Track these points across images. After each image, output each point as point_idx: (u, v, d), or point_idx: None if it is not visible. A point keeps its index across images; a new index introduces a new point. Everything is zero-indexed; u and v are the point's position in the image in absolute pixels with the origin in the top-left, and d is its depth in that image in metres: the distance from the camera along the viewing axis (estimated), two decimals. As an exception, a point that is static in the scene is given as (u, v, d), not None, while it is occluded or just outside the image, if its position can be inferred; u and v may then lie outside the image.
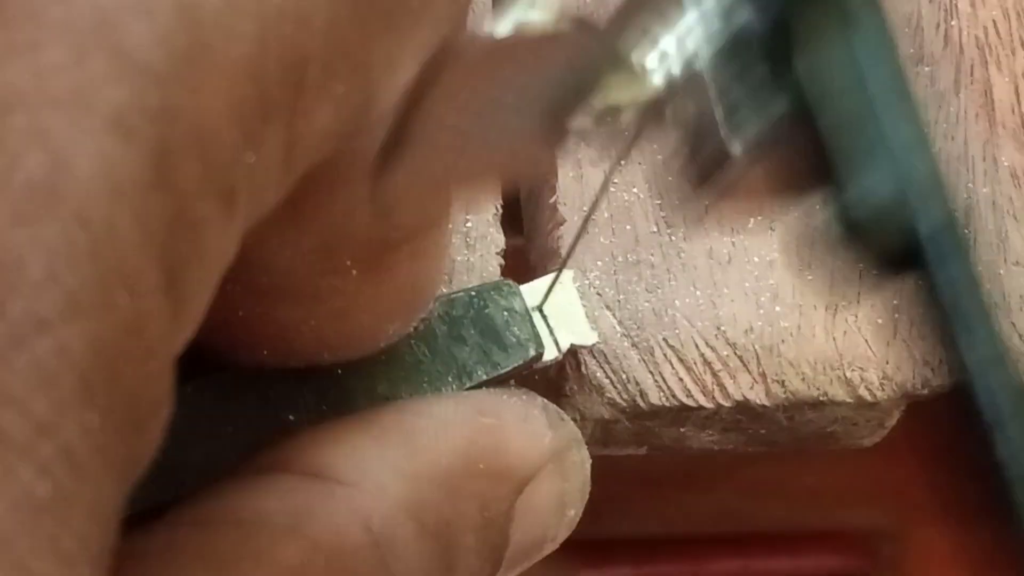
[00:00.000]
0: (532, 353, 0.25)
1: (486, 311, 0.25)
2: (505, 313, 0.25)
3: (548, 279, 0.27)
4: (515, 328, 0.25)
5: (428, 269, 0.21)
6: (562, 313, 0.27)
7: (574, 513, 0.25)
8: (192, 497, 0.20)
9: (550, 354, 0.26)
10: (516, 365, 0.25)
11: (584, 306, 0.28)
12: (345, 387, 0.23)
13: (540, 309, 0.26)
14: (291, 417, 0.23)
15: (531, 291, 0.26)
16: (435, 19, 0.17)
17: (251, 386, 0.22)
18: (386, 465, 0.21)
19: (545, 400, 0.25)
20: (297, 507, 0.19)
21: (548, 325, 0.27)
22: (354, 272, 0.19)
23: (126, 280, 0.14)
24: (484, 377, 0.25)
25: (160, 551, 0.18)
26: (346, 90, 0.16)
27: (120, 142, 0.14)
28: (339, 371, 0.23)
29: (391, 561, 0.20)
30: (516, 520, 0.23)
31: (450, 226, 0.22)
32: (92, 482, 0.14)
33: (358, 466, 0.20)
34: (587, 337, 0.28)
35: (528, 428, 0.23)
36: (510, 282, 0.26)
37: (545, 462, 0.23)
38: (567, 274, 0.28)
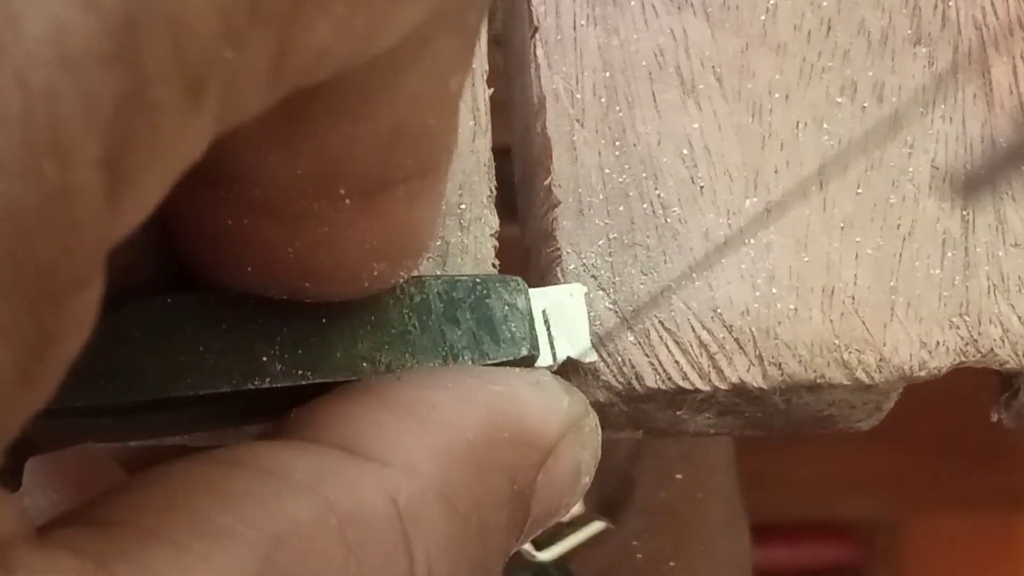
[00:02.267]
0: (524, 352, 0.25)
1: (487, 300, 0.25)
2: (506, 307, 0.25)
3: (561, 288, 0.27)
4: (512, 324, 0.25)
5: (422, 214, 0.21)
6: (566, 324, 0.27)
7: (588, 480, 0.25)
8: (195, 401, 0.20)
9: (544, 361, 0.26)
10: (504, 360, 0.25)
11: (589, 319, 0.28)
12: (326, 336, 0.23)
13: (545, 315, 0.26)
14: (265, 353, 0.22)
15: (541, 295, 0.26)
16: None
17: (231, 312, 0.22)
18: (414, 443, 0.21)
19: (546, 370, 0.25)
20: (323, 470, 0.19)
21: (549, 332, 0.26)
22: (347, 201, 0.19)
23: (57, 148, 0.13)
24: (470, 363, 0.24)
25: (173, 478, 0.18)
26: (347, 11, 0.16)
27: (80, 10, 0.13)
28: (323, 319, 0.23)
29: (414, 537, 0.20)
30: (537, 493, 0.23)
31: (449, 174, 0.22)
32: None
33: (386, 444, 0.20)
34: (586, 354, 0.27)
35: (543, 393, 0.23)
36: (519, 279, 0.26)
37: (567, 427, 0.23)
38: (580, 288, 0.27)
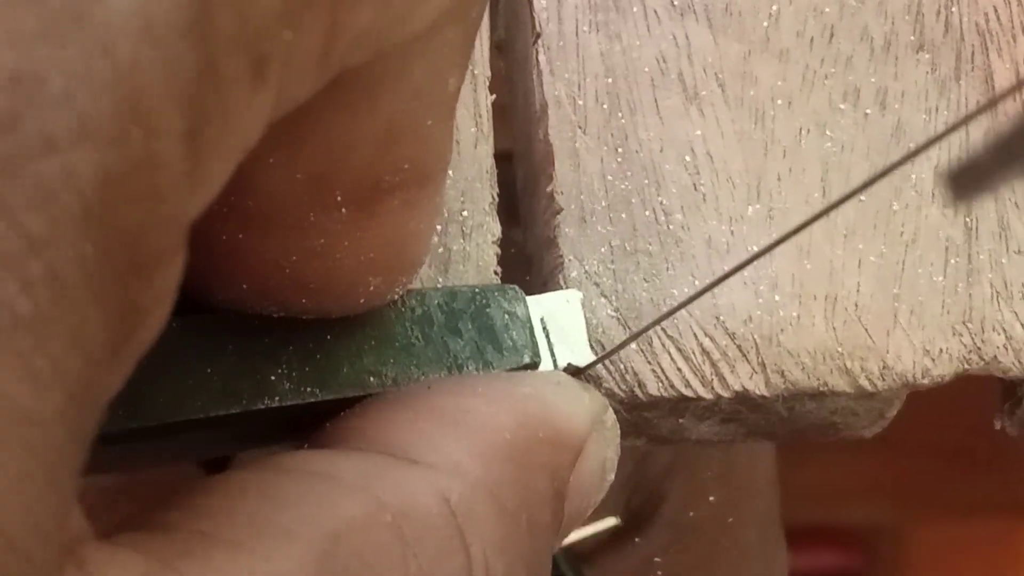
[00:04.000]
0: (526, 360, 0.25)
1: (487, 310, 0.25)
2: (506, 316, 0.25)
3: (557, 295, 0.27)
4: (513, 332, 0.25)
5: (417, 225, 0.21)
6: (564, 331, 0.27)
7: (612, 477, 0.25)
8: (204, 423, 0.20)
9: (545, 368, 0.26)
10: (508, 368, 0.25)
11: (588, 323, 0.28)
12: (331, 352, 0.23)
13: (543, 323, 0.26)
14: (272, 372, 0.22)
15: (538, 303, 0.26)
16: None
17: (237, 333, 0.22)
18: (457, 446, 0.21)
19: (560, 371, 0.25)
20: (371, 472, 0.20)
21: (548, 340, 0.26)
22: (343, 210, 0.19)
23: (143, 117, 0.14)
24: (474, 373, 0.24)
25: (226, 486, 0.19)
26: None
27: None
28: (328, 336, 0.23)
29: (468, 533, 0.20)
30: (568, 494, 0.23)
31: (445, 186, 0.22)
32: (77, 311, 0.14)
33: (431, 448, 0.21)
34: (585, 359, 0.27)
35: (566, 393, 0.24)
36: (516, 287, 0.26)
37: (591, 424, 0.24)
38: (575, 294, 0.27)
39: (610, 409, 0.25)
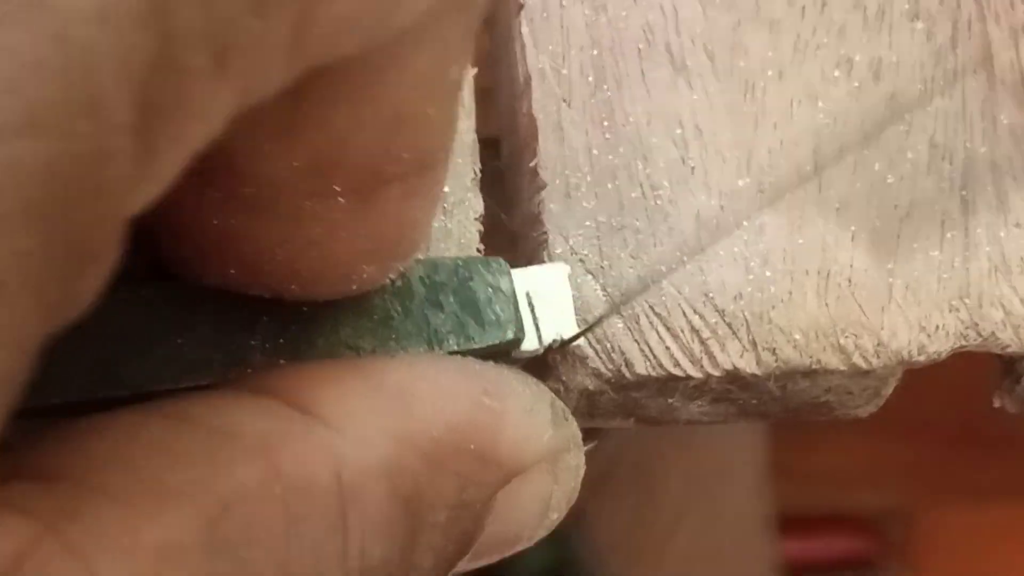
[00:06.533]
0: (510, 336, 0.24)
1: (470, 283, 0.24)
2: (490, 289, 0.24)
3: (544, 268, 0.26)
4: (497, 307, 0.24)
5: (416, 215, 0.21)
6: (550, 306, 0.26)
7: (557, 516, 0.24)
8: (176, 394, 0.19)
9: (530, 344, 0.25)
10: (490, 344, 0.24)
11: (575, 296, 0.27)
12: (307, 324, 0.22)
13: (529, 297, 0.26)
14: (245, 343, 0.22)
15: (524, 276, 0.26)
16: None
17: (211, 303, 0.22)
18: (375, 420, 0.20)
19: (554, 396, 0.24)
20: (273, 432, 0.19)
21: (534, 315, 0.26)
22: (341, 200, 0.19)
23: (93, 109, 0.13)
24: (455, 348, 0.24)
25: (122, 431, 0.18)
26: None
27: None
28: (304, 307, 0.22)
29: (350, 514, 0.19)
30: (496, 511, 0.22)
31: (446, 175, 0.21)
32: (11, 307, 0.13)
33: (346, 412, 0.20)
34: (571, 333, 0.27)
35: (530, 421, 0.23)
36: (502, 260, 0.25)
37: (538, 459, 0.23)
38: (562, 268, 0.27)
39: (576, 450, 0.24)
